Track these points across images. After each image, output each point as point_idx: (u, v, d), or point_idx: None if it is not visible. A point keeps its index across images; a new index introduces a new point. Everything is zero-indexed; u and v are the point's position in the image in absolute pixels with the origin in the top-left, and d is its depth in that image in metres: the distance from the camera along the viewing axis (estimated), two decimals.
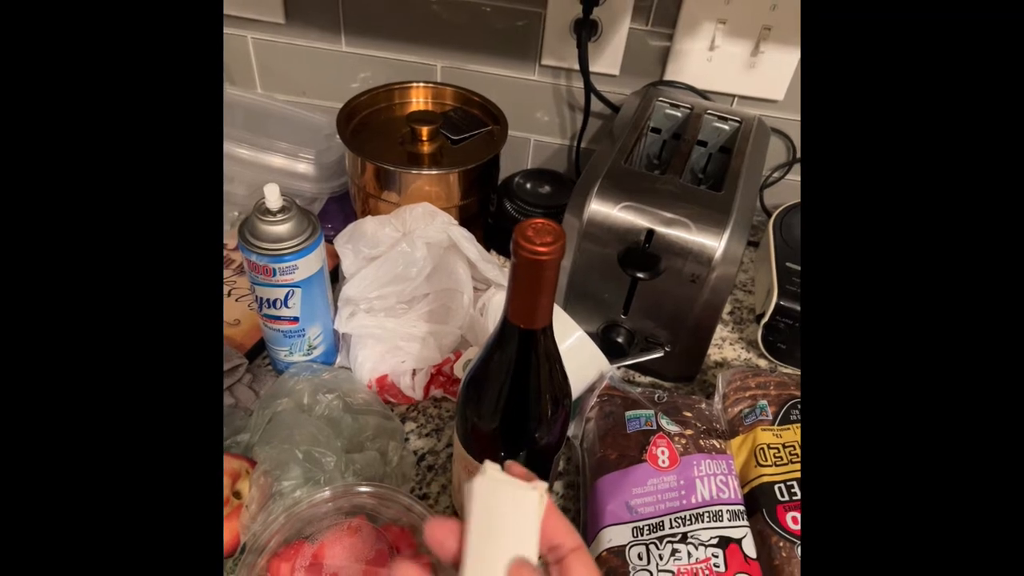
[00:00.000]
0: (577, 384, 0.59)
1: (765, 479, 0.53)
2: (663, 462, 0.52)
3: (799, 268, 0.70)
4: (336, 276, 0.70)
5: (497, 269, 0.69)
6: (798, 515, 0.50)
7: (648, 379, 0.70)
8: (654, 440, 0.53)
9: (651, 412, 0.56)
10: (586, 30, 0.77)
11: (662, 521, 0.49)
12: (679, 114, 0.75)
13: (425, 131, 0.75)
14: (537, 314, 0.40)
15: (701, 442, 0.54)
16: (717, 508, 0.50)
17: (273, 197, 0.55)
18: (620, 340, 0.66)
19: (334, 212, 0.82)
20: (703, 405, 0.59)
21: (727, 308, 0.78)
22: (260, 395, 0.63)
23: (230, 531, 0.51)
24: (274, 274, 0.57)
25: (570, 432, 0.59)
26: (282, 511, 0.51)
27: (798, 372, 0.69)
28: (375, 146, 0.74)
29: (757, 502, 0.52)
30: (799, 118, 0.83)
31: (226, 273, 0.72)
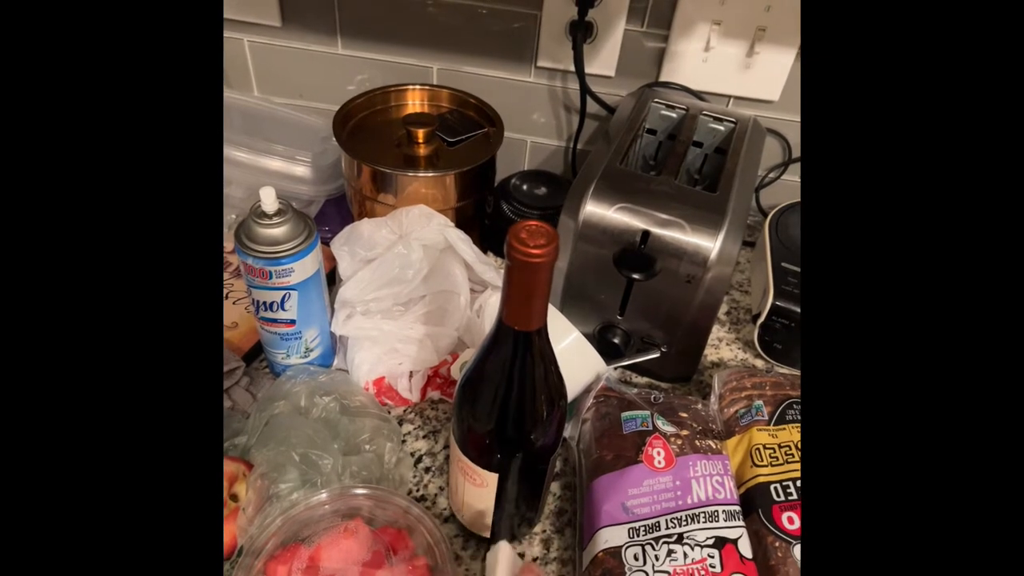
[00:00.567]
0: (573, 385, 0.59)
1: (761, 479, 0.53)
2: (659, 463, 0.52)
3: (795, 268, 0.70)
4: (333, 278, 0.70)
5: (493, 271, 0.69)
6: (794, 515, 0.50)
7: (644, 380, 0.70)
8: (650, 441, 0.54)
9: (647, 413, 0.56)
10: (581, 32, 0.77)
11: (658, 522, 0.49)
12: (674, 115, 0.75)
13: (421, 133, 0.75)
14: (532, 316, 0.41)
15: (697, 443, 0.54)
16: (713, 508, 0.50)
17: (269, 200, 0.55)
18: (616, 341, 0.66)
19: (331, 214, 0.82)
20: (699, 406, 0.59)
21: (723, 308, 0.78)
22: (257, 398, 0.63)
23: (227, 534, 0.52)
24: (270, 277, 0.57)
25: (566, 433, 0.59)
26: (279, 514, 0.51)
27: (794, 372, 0.69)
28: (371, 149, 0.74)
29: (753, 502, 0.52)
30: (794, 118, 0.83)
31: (223, 276, 0.73)
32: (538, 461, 0.50)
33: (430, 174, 0.73)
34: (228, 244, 0.75)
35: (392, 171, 0.72)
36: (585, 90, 0.81)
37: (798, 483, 0.52)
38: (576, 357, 0.59)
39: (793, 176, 0.88)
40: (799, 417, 0.56)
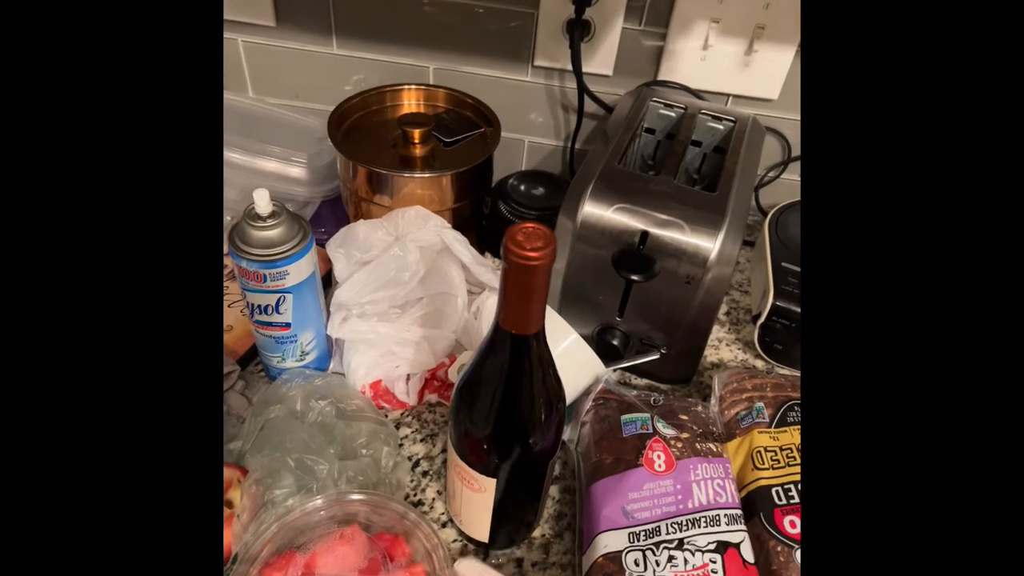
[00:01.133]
0: (572, 388, 0.58)
1: (762, 482, 0.52)
2: (659, 466, 0.52)
3: (795, 268, 0.70)
4: (329, 281, 0.69)
5: (491, 272, 0.68)
6: (796, 519, 0.50)
7: (644, 381, 0.70)
8: (650, 444, 0.53)
9: (647, 416, 0.55)
10: (579, 30, 0.76)
11: (659, 526, 0.48)
12: (673, 114, 0.74)
13: (417, 134, 0.74)
14: (529, 320, 0.40)
15: (698, 445, 0.54)
16: (714, 512, 0.49)
17: (263, 202, 0.54)
18: (615, 343, 0.66)
19: (327, 216, 0.82)
20: (699, 408, 0.58)
21: (723, 309, 0.77)
22: (252, 402, 0.62)
23: None
24: (265, 280, 0.56)
25: (566, 436, 0.59)
26: (274, 520, 0.50)
27: (795, 373, 0.68)
28: (367, 149, 0.74)
29: (754, 506, 0.51)
30: (794, 117, 0.83)
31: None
32: (537, 465, 0.49)
33: (426, 175, 0.72)
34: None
35: (388, 172, 0.71)
36: (583, 89, 0.80)
37: (800, 486, 0.51)
38: (574, 359, 0.59)
39: (793, 175, 0.88)
40: (800, 419, 0.56)
